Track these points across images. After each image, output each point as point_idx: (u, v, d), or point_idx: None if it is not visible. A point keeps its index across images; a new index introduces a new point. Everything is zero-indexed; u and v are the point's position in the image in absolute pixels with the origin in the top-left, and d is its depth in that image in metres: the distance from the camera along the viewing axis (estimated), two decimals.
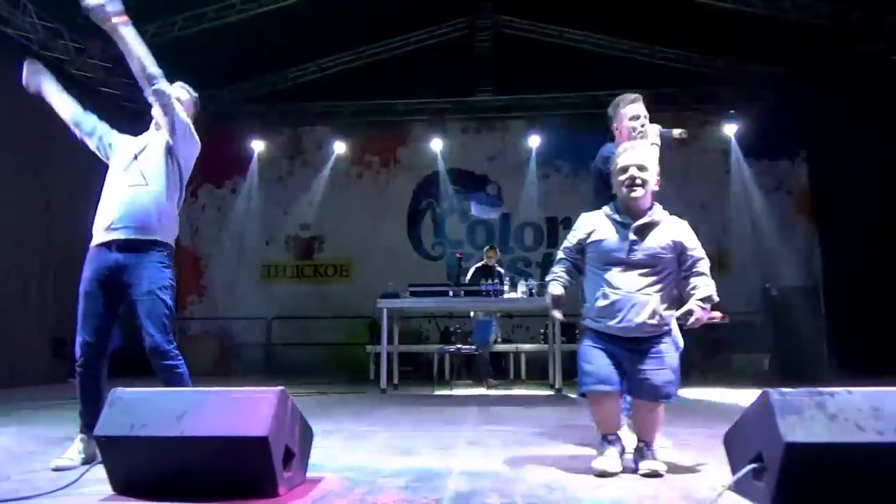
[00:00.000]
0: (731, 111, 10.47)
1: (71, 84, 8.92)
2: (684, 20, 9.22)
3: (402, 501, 2.04)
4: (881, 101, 8.65)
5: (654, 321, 2.53)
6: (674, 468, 2.57)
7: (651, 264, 2.58)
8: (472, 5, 10.27)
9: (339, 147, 11.24)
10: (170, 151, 2.99)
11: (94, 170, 3.34)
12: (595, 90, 10.82)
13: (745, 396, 5.34)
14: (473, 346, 7.45)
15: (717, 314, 2.67)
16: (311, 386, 7.21)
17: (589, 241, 2.68)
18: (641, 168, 2.62)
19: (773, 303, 8.54)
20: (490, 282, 6.95)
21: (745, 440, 2.10)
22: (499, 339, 8.41)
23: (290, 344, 10.88)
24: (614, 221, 2.66)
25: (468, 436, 3.57)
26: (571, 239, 2.76)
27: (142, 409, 2.15)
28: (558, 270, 2.76)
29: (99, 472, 2.21)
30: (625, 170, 2.63)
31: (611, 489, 2.24)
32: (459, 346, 7.20)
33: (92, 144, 3.09)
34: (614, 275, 2.58)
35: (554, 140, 10.82)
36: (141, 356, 2.84)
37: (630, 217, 2.63)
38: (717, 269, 10.51)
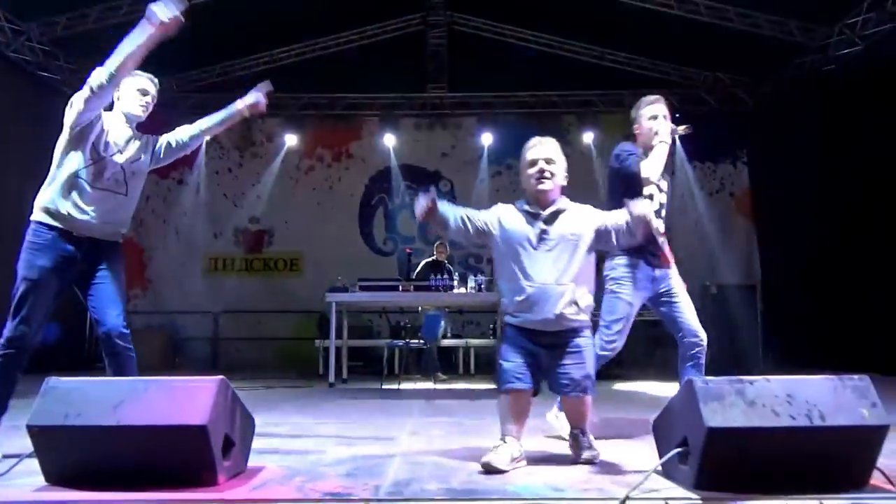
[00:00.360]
0: (677, 115, 10.73)
1: (7, 67, 8.70)
2: (633, 24, 9.46)
3: (341, 487, 2.07)
4: (816, 108, 9.06)
5: (572, 311, 2.57)
6: (607, 454, 2.67)
7: (563, 251, 2.61)
8: (426, 2, 10.31)
9: (290, 140, 11.10)
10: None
11: None
12: (546, 90, 11.03)
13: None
14: (422, 341, 7.49)
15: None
16: (259, 381, 7.15)
17: (499, 227, 2.71)
18: (549, 161, 2.71)
19: (711, 301, 8.85)
20: (439, 277, 7.01)
21: (671, 426, 2.21)
22: (448, 334, 8.47)
23: (239, 339, 10.73)
24: (525, 213, 2.71)
25: (412, 426, 3.62)
26: (480, 212, 2.78)
27: (77, 398, 2.12)
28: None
29: (30, 463, 2.16)
30: (534, 163, 2.71)
31: (545, 475, 2.32)
32: (408, 340, 7.24)
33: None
34: (528, 266, 2.60)
35: (506, 138, 10.92)
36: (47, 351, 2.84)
37: (539, 208, 2.70)
38: None
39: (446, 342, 8.12)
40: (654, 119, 3.32)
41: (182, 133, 3.19)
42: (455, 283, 6.86)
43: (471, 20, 10.48)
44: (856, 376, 2.11)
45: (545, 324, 2.58)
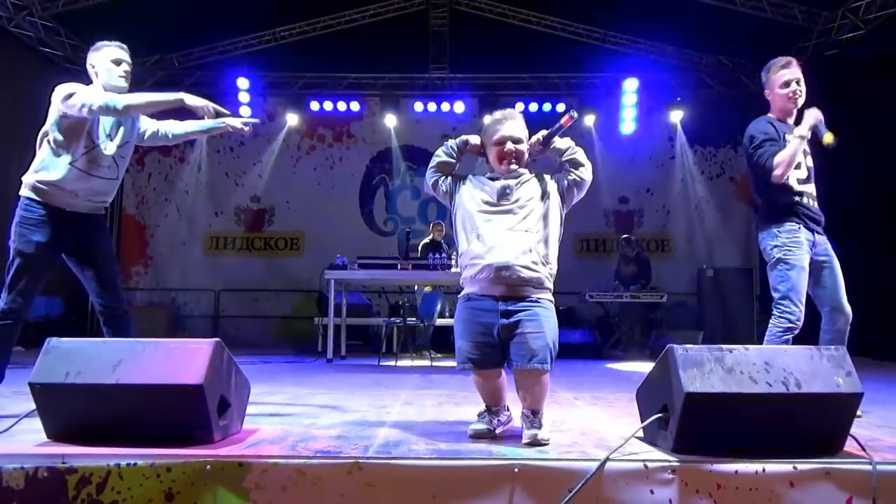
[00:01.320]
0: (678, 98, 10.75)
1: (9, 43, 8.71)
2: (636, 6, 9.43)
3: (332, 447, 2.15)
4: (818, 92, 9.01)
5: (530, 258, 2.41)
6: (593, 421, 2.74)
7: (526, 214, 2.48)
8: None
9: (292, 119, 11.11)
10: None
11: None
12: (548, 72, 11.01)
13: None
14: (419, 320, 7.57)
15: (566, 117, 2.56)
16: (258, 356, 7.24)
17: (463, 186, 2.62)
18: (517, 141, 2.58)
19: (708, 283, 8.94)
20: (437, 256, 7.07)
21: (652, 393, 2.28)
22: (445, 313, 8.55)
23: (239, 316, 10.83)
24: (487, 179, 2.61)
25: (405, 398, 3.69)
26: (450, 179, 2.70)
27: (77, 357, 2.18)
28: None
29: (30, 422, 2.24)
30: (500, 142, 2.57)
31: None
32: (406, 318, 7.31)
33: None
34: (487, 222, 2.49)
35: None
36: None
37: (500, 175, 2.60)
38: (661, 251, 11.00)
39: (441, 321, 8.19)
40: (787, 86, 3.23)
41: (171, 127, 3.30)
42: (453, 261, 6.92)
43: (473, 1, 10.45)
44: (832, 347, 2.17)
45: (501, 269, 2.39)
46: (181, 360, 2.15)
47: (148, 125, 3.25)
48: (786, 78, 3.24)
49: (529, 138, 2.64)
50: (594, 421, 2.85)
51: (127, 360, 2.16)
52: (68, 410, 2.17)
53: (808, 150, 3.29)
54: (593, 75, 10.95)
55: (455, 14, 10.58)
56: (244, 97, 10.79)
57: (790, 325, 3.07)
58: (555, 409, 3.25)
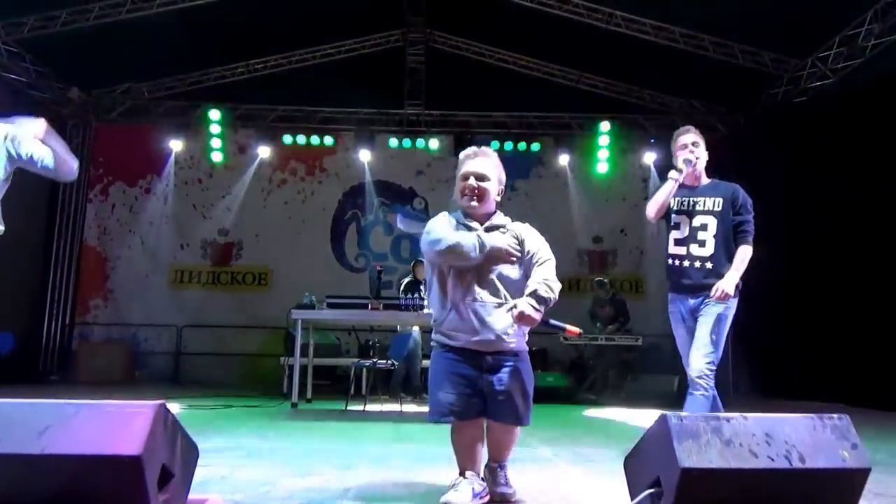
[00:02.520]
0: (652, 140, 10.83)
1: None
2: (611, 50, 9.51)
3: None
4: (787, 138, 9.17)
5: (512, 331, 2.44)
6: (578, 491, 2.53)
7: (502, 269, 2.47)
8: (405, 19, 10.26)
9: (264, 152, 10.90)
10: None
11: None
12: (523, 111, 11.02)
13: (652, 417, 5.45)
14: (389, 362, 7.31)
15: (575, 330, 2.56)
16: (220, 398, 6.87)
17: None
18: (482, 178, 2.54)
19: None
20: (412, 296, 6.85)
21: (643, 464, 2.09)
22: (418, 354, 8.30)
23: (202, 353, 10.42)
24: (462, 225, 2.56)
25: (373, 454, 3.44)
26: (446, 221, 2.60)
27: None
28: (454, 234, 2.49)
29: None
30: (465, 177, 2.55)
31: None
32: (376, 360, 7.04)
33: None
34: (467, 286, 2.44)
35: None
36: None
37: (475, 221, 2.56)
38: (634, 292, 10.93)
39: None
40: (685, 148, 3.33)
41: (41, 154, 3.07)
42: (425, 302, 6.70)
43: (450, 39, 10.47)
44: (835, 415, 2.01)
45: (484, 344, 2.42)
46: (118, 426, 1.90)
47: (23, 147, 3.07)
48: (681, 143, 3.35)
49: (499, 179, 2.62)
50: (578, 485, 2.64)
51: (56, 426, 1.90)
52: None
53: (710, 211, 3.26)
54: (568, 115, 10.99)
55: (432, 52, 10.57)
56: (215, 129, 10.58)
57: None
58: (534, 470, 3.04)
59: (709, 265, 3.19)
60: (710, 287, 3.12)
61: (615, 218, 11.13)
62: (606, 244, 11.12)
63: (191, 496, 2.20)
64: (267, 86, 10.70)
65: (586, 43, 9.60)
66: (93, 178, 10.86)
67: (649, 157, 10.89)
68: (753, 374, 8.63)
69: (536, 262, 2.51)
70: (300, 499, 2.30)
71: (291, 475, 2.80)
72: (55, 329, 10.25)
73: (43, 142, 3.06)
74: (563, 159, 10.88)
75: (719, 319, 3.11)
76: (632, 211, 11.18)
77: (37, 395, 5.12)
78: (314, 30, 10.08)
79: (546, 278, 2.44)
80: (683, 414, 1.96)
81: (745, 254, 3.20)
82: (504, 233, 2.54)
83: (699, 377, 3.08)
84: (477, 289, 2.45)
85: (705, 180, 3.37)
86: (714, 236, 3.21)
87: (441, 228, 2.50)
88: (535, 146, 10.88)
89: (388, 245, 11.25)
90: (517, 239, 2.52)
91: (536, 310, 2.36)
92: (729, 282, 3.10)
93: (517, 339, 2.48)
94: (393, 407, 6.77)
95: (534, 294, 2.38)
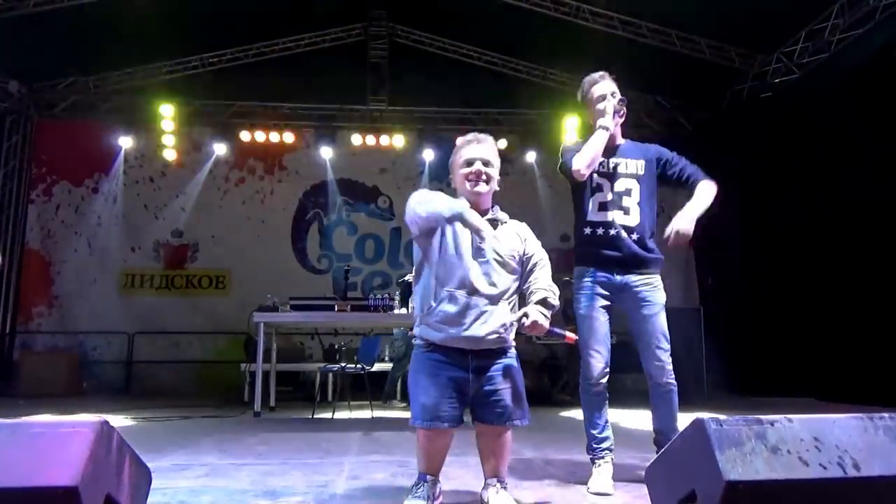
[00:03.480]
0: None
1: None
2: (576, 44, 9.36)
3: None
4: (754, 134, 9.16)
5: (503, 329, 2.32)
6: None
7: (498, 264, 2.34)
8: (367, 13, 9.95)
9: (220, 149, 10.42)
10: None
11: None
12: (488, 107, 10.81)
13: (631, 416, 5.26)
14: (359, 366, 6.97)
15: (573, 336, 2.43)
16: (176, 409, 6.42)
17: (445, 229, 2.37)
18: (487, 163, 2.43)
19: None
20: (378, 296, 6.53)
21: (673, 475, 1.83)
22: (385, 358, 7.99)
23: (156, 361, 9.87)
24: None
25: (350, 468, 3.12)
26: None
27: None
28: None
29: None
30: (471, 163, 2.42)
31: None
32: (344, 364, 6.69)
33: None
34: (458, 274, 2.30)
35: (447, 154, 10.57)
36: None
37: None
38: None
39: (378, 367, 7.59)
40: (604, 99, 2.85)
41: None
42: (395, 301, 6.40)
43: (413, 33, 10.21)
44: (886, 414, 1.79)
45: (472, 342, 2.27)
46: (50, 451, 1.56)
47: None
48: (601, 92, 2.89)
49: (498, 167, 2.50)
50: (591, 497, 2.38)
51: None
52: None
53: (636, 176, 2.91)
54: (534, 111, 10.81)
55: (395, 46, 10.29)
56: (167, 125, 10.05)
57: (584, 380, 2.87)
58: (531, 486, 2.77)
59: (635, 235, 2.85)
60: (642, 262, 2.81)
61: None
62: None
63: None
64: (223, 80, 10.24)
65: (552, 38, 9.45)
66: (35, 177, 10.20)
67: None
68: (724, 371, 8.55)
69: (536, 263, 2.43)
70: None
71: (258, 497, 2.46)
72: None
73: None
74: (530, 156, 10.70)
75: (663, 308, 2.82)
76: None
77: None
78: (272, 22, 9.71)
79: (551, 285, 2.38)
80: (721, 417, 1.71)
81: (708, 187, 2.82)
82: (506, 227, 2.44)
83: (670, 377, 2.78)
84: (469, 281, 2.28)
85: (621, 140, 2.97)
86: (639, 203, 2.88)
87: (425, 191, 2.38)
88: (502, 143, 10.66)
89: (353, 245, 10.89)
90: (520, 237, 2.43)
91: (546, 318, 2.29)
92: (686, 217, 2.71)
93: (506, 337, 2.36)
94: (362, 413, 6.43)
95: (544, 302, 2.31)
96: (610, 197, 2.86)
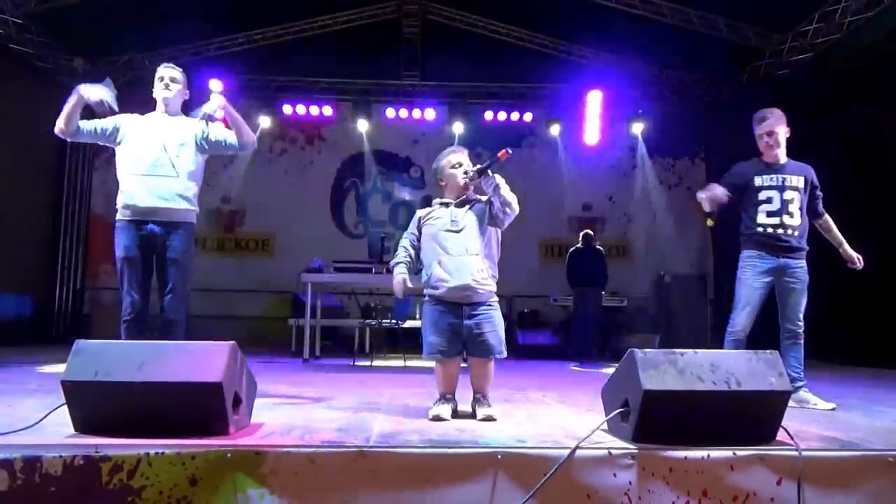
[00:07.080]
0: (640, 111, 11.24)
1: None
2: (600, 22, 9.86)
3: (336, 438, 2.42)
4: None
5: (482, 276, 3.08)
6: (563, 416, 3.07)
7: (471, 231, 3.14)
8: None
9: (264, 121, 11.24)
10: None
11: None
12: (515, 82, 11.39)
13: None
14: (394, 321, 7.84)
15: (503, 152, 3.08)
16: None
17: (420, 226, 3.29)
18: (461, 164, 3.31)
19: (665, 289, 9.41)
20: None
21: (615, 390, 2.61)
22: (416, 315, 8.84)
23: (211, 316, 10.91)
24: (441, 204, 3.30)
25: (389, 395, 3.98)
26: (412, 224, 3.34)
27: (105, 358, 2.41)
28: (402, 255, 3.29)
29: (59, 415, 2.45)
30: (461, 164, 3.29)
31: (510, 430, 2.70)
32: (380, 319, 7.57)
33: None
34: (445, 243, 3.14)
35: (476, 128, 11.27)
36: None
37: (453, 198, 3.28)
38: (621, 256, 11.46)
39: (410, 323, 8.45)
40: (760, 138, 4.04)
41: (224, 136, 4.00)
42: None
43: (444, 10, 10.76)
44: (767, 351, 2.54)
45: (462, 290, 3.06)
46: (201, 360, 2.40)
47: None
48: (758, 132, 4.04)
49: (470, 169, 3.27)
50: (564, 416, 3.18)
51: (151, 361, 2.40)
52: (96, 405, 2.39)
53: (797, 186, 3.94)
54: (559, 86, 11.35)
55: (427, 23, 10.87)
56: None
57: (730, 330, 3.92)
58: (528, 406, 3.59)
59: (796, 233, 3.91)
60: (797, 250, 3.90)
61: (604, 186, 11.63)
62: (595, 211, 11.63)
63: (251, 420, 2.72)
64: (267, 57, 11.00)
65: (577, 15, 9.94)
66: (98, 147, 11.15)
67: (637, 128, 11.32)
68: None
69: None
70: (339, 421, 2.82)
71: (326, 408, 3.32)
72: (67, 294, 10.70)
73: (223, 120, 3.55)
74: (555, 129, 11.29)
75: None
76: (620, 179, 11.69)
77: (55, 355, 5.63)
78: (312, 2, 10.38)
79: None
80: (647, 350, 2.47)
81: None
82: (478, 204, 3.27)
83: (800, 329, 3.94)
84: (448, 245, 3.14)
85: (783, 159, 4.00)
86: (800, 209, 3.93)
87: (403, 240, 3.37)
88: (528, 116, 11.28)
89: (386, 212, 11.71)
90: (479, 209, 3.25)
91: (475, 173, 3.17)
92: (847, 248, 4.12)
93: (485, 290, 3.11)
94: (396, 362, 7.31)
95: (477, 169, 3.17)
96: (779, 205, 3.92)
